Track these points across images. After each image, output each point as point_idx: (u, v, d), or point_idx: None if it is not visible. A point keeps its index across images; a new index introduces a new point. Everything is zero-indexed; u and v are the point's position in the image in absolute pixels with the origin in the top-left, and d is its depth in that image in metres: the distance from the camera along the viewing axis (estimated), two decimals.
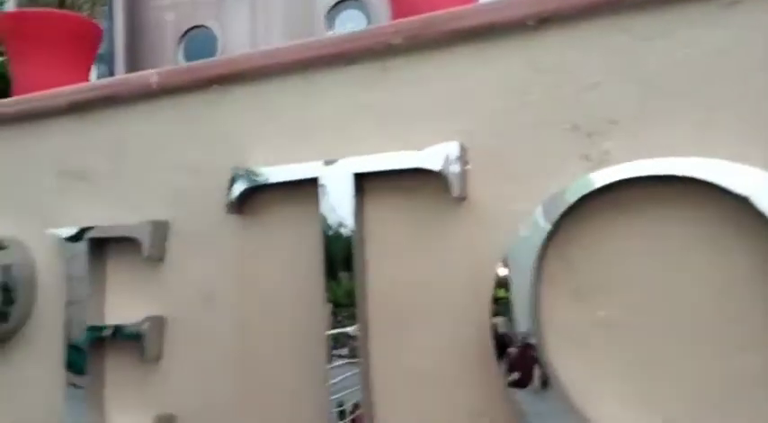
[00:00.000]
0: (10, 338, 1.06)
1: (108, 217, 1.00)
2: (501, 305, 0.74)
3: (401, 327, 0.83)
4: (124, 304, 0.99)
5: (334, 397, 0.82)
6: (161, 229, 0.96)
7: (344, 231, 0.84)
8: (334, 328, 0.83)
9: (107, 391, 0.99)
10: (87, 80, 1.25)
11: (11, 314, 1.04)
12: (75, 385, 0.97)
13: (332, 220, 0.84)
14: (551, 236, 0.74)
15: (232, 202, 0.91)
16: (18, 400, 1.05)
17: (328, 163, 0.85)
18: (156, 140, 0.99)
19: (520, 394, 0.73)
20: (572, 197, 0.74)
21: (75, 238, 1.00)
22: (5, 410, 1.06)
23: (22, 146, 1.10)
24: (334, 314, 0.83)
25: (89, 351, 0.97)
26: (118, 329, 0.96)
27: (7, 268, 1.04)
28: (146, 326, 0.94)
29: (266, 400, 0.89)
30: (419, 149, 0.81)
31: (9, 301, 1.04)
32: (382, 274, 0.84)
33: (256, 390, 0.90)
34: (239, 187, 0.90)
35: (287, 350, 0.88)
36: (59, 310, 1.01)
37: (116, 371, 0.99)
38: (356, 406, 0.81)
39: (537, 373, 0.72)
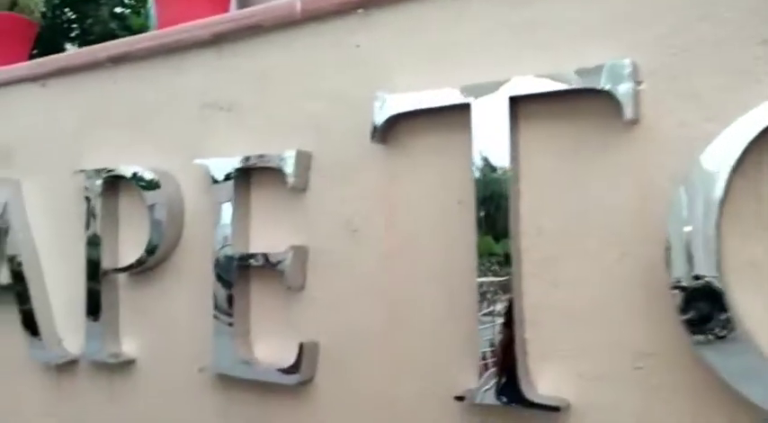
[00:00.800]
0: (157, 267, 1.10)
1: (252, 148, 1.00)
2: (676, 240, 0.68)
3: (557, 260, 0.78)
4: (268, 234, 1.00)
5: (483, 327, 0.79)
6: (304, 160, 0.95)
7: (498, 161, 0.79)
8: (484, 261, 0.79)
9: (252, 318, 1.01)
10: (227, 11, 1.25)
11: (159, 246, 1.08)
12: (221, 312, 1.00)
13: (484, 148, 0.80)
14: (738, 165, 0.67)
15: (377, 131, 0.89)
16: (168, 325, 1.10)
17: (480, 87, 0.80)
18: (300, 69, 0.98)
19: (698, 338, 0.67)
20: (764, 121, 0.66)
21: (221, 169, 1.01)
22: (157, 336, 1.11)
23: (165, 80, 1.12)
24: (485, 246, 0.79)
25: (236, 280, 0.99)
26: (263, 258, 0.97)
27: (155, 206, 1.07)
28: (290, 255, 0.95)
29: (410, 331, 0.88)
30: (584, 69, 0.74)
31: (158, 235, 1.08)
32: (538, 205, 0.79)
33: (400, 321, 0.88)
34: (384, 115, 0.88)
35: (433, 282, 0.86)
36: (205, 240, 1.03)
37: (260, 299, 1.00)
38: (507, 341, 0.78)
39: (718, 316, 0.66)
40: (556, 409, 0.76)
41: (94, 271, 1.14)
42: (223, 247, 1.00)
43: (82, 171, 1.16)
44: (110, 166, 1.14)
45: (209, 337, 1.02)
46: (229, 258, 0.99)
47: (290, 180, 0.95)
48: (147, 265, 1.09)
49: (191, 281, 1.07)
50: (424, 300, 0.87)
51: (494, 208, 0.79)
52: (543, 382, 0.78)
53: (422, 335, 0.87)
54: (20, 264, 1.23)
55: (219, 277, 1.00)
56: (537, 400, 0.77)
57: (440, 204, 0.86)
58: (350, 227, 0.93)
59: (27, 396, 1.26)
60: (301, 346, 0.93)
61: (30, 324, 1.22)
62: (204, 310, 1.03)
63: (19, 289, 1.23)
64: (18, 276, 1.23)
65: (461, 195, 0.84)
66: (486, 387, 0.79)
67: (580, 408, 0.76)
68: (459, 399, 0.81)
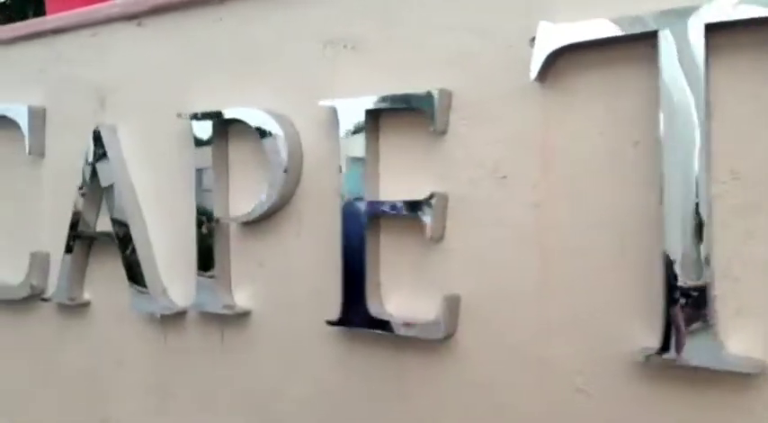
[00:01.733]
0: (274, 216, 1.04)
1: (380, 87, 0.93)
2: None
3: (754, 207, 0.70)
4: (402, 181, 0.93)
5: (664, 282, 0.72)
6: (444, 99, 0.88)
7: (688, 97, 0.71)
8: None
9: (383, 270, 0.95)
10: None
11: (276, 194, 1.02)
12: (350, 264, 0.94)
13: (673, 83, 0.71)
14: None
15: (533, 67, 0.80)
16: (286, 277, 1.05)
17: (671, 13, 0.71)
18: (434, 0, 0.90)
19: None
20: None
21: (349, 110, 0.94)
22: (274, 288, 1.06)
23: (286, 17, 1.04)
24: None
25: (366, 228, 0.93)
26: (400, 206, 0.90)
27: (272, 151, 1.01)
28: (429, 203, 0.88)
29: (567, 285, 0.81)
30: None
31: (276, 182, 1.02)
32: (733, 147, 0.71)
33: (555, 274, 0.82)
34: (547, 48, 0.79)
35: (597, 231, 0.79)
36: (329, 187, 0.97)
37: (392, 251, 0.94)
38: (695, 297, 0.71)
39: None
40: (749, 372, 0.70)
41: (205, 219, 1.09)
42: (350, 192, 0.94)
43: (189, 115, 1.10)
44: (220, 109, 1.07)
45: (333, 289, 0.97)
46: (359, 206, 0.93)
47: (429, 121, 0.88)
48: (264, 214, 1.04)
49: (312, 231, 1.01)
50: (586, 251, 0.80)
51: (681, 150, 0.71)
52: (734, 342, 0.71)
53: (582, 289, 0.80)
54: (121, 210, 1.19)
55: (348, 226, 0.94)
56: (729, 362, 0.70)
57: (609, 146, 0.78)
58: (497, 173, 0.86)
59: (130, 349, 1.23)
60: (443, 301, 0.88)
61: (133, 273, 1.18)
62: (327, 261, 0.98)
63: (121, 236, 1.18)
64: (119, 223, 1.19)
65: (638, 136, 0.76)
66: (670, 347, 0.72)
67: None
68: (640, 359, 0.74)
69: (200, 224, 1.09)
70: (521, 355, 0.84)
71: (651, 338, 0.75)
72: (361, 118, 0.93)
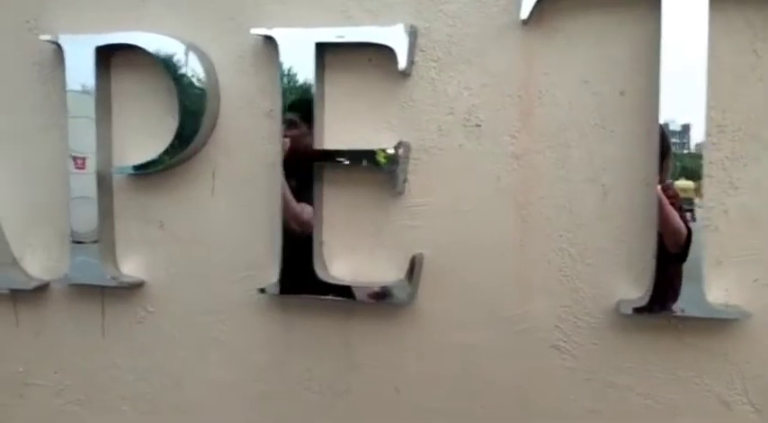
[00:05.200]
0: (178, 167, 0.87)
1: (333, 18, 0.80)
2: None
3: (738, 159, 0.73)
4: (351, 127, 0.82)
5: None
6: (410, 36, 0.78)
7: (689, 47, 0.70)
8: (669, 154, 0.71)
9: (329, 228, 0.83)
10: None
11: (185, 139, 0.85)
12: (290, 221, 0.81)
13: (675, 33, 0.70)
14: None
15: (525, 7, 0.74)
16: (195, 236, 0.88)
17: None
18: None
19: None
20: None
21: (290, 41, 0.80)
22: (182, 253, 0.88)
23: None
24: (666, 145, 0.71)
25: (314, 181, 0.81)
26: (351, 155, 0.79)
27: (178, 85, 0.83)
28: (389, 153, 0.78)
29: (545, 240, 0.78)
30: None
31: (186, 124, 0.84)
32: (720, 100, 0.72)
33: (533, 229, 0.78)
34: None
35: (580, 185, 0.76)
36: (254, 131, 0.84)
37: (341, 206, 0.83)
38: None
39: None
40: (729, 317, 0.73)
41: (82, 170, 0.87)
42: (292, 141, 0.80)
43: (54, 36, 0.86)
44: (100, 31, 0.85)
45: (261, 253, 0.84)
46: (301, 155, 0.80)
47: (400, 61, 0.78)
48: (168, 165, 0.85)
49: (231, 186, 0.86)
50: (568, 205, 0.77)
51: (679, 101, 0.71)
52: (715, 290, 0.74)
53: (563, 245, 0.77)
54: None
55: (291, 178, 0.81)
56: (710, 310, 0.72)
57: (595, 96, 0.75)
58: (471, 121, 0.79)
59: None
60: (406, 260, 0.79)
61: None
62: (251, 221, 0.84)
63: None
64: None
65: (624, 85, 0.74)
66: (652, 297, 0.73)
67: (757, 315, 0.73)
68: (627, 312, 0.74)
69: (84, 176, 0.87)
70: (494, 315, 0.80)
71: (635, 291, 0.75)
72: (309, 52, 0.79)
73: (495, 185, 0.78)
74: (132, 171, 0.86)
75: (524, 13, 0.74)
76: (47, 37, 0.86)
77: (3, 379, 0.95)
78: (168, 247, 0.89)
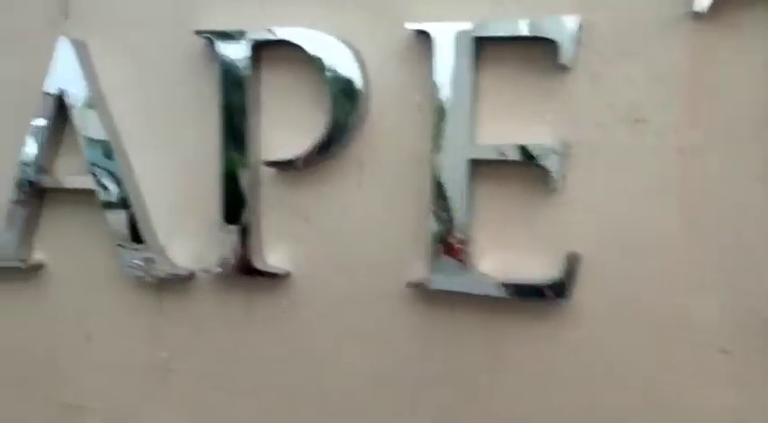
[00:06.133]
0: (326, 163, 0.87)
1: (487, 12, 0.79)
2: None
3: None
4: (506, 122, 0.81)
5: None
6: (575, 28, 0.76)
7: None
8: None
9: (481, 225, 0.83)
10: None
11: (333, 135, 0.85)
12: (442, 217, 0.81)
13: None
14: None
15: (696, 1, 0.72)
16: (341, 230, 0.89)
17: None
18: None
19: None
20: None
21: (441, 36, 0.79)
22: (327, 246, 0.89)
23: None
24: None
25: (466, 177, 0.80)
26: (507, 151, 0.78)
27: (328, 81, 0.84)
28: (549, 148, 0.77)
29: (713, 239, 0.75)
30: None
31: (333, 121, 0.85)
32: None
33: (699, 228, 0.75)
34: None
35: (753, 183, 0.73)
36: (405, 127, 0.83)
37: (493, 202, 0.82)
38: None
39: None
40: None
41: (232, 165, 0.89)
42: (448, 138, 0.80)
43: (209, 32, 0.88)
44: (248, 28, 0.87)
45: (413, 245, 0.84)
46: (457, 152, 0.80)
47: (556, 55, 0.76)
48: (317, 160, 0.86)
49: (379, 181, 0.86)
50: (738, 205, 0.74)
51: None
52: None
53: (731, 246, 0.74)
54: (97, 150, 0.94)
55: (442, 174, 0.80)
56: None
57: None
58: (632, 116, 0.76)
59: (105, 321, 1.00)
60: (562, 258, 0.78)
61: (118, 229, 0.94)
62: (399, 216, 0.85)
63: (100, 182, 0.94)
64: (98, 166, 0.94)
65: None
66: None
67: None
68: None
69: (228, 170, 0.89)
70: (653, 315, 0.77)
71: None
72: (465, 46, 0.79)
73: (657, 182, 0.76)
74: (283, 164, 0.88)
75: (700, 5, 0.72)
76: (199, 30, 0.88)
77: (147, 365, 0.99)
78: (313, 240, 0.90)
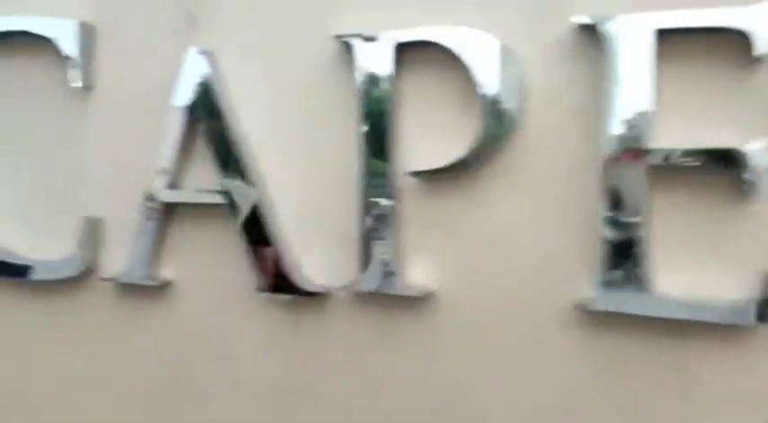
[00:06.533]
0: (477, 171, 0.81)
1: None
2: None
3: None
4: (689, 124, 0.72)
5: None
6: None
7: None
8: None
9: (659, 239, 0.74)
10: None
11: (487, 139, 0.79)
12: (618, 230, 0.73)
13: None
14: None
15: None
16: (490, 242, 0.82)
17: None
18: None
19: None
20: None
21: (627, 28, 0.71)
22: (475, 259, 0.83)
23: None
24: None
25: (644, 185, 0.72)
26: (696, 156, 0.70)
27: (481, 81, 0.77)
28: (748, 153, 0.68)
29: None
30: None
31: (489, 124, 0.78)
32: None
33: None
34: None
35: None
36: (566, 129, 0.76)
37: (672, 214, 0.74)
38: None
39: None
40: None
41: (373, 175, 0.83)
42: (621, 141, 0.72)
43: (349, 35, 0.83)
44: (388, 29, 0.81)
45: (578, 261, 0.76)
46: (634, 156, 0.72)
47: (753, 46, 0.67)
48: (467, 166, 0.80)
49: (535, 188, 0.79)
50: None
51: None
52: None
53: None
54: (233, 164, 0.90)
55: (619, 182, 0.72)
56: None
57: None
58: None
59: (237, 340, 0.96)
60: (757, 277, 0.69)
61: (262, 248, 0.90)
62: (564, 225, 0.77)
63: (235, 200, 0.90)
64: (234, 179, 0.90)
65: None
66: None
67: None
68: None
69: (371, 182, 0.83)
70: None
71: None
72: (644, 40, 0.70)
73: None
74: (428, 174, 0.81)
75: None
76: (338, 34, 0.83)
77: (282, 385, 0.94)
78: (459, 255, 0.83)
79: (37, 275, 1.01)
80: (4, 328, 1.04)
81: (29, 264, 1.01)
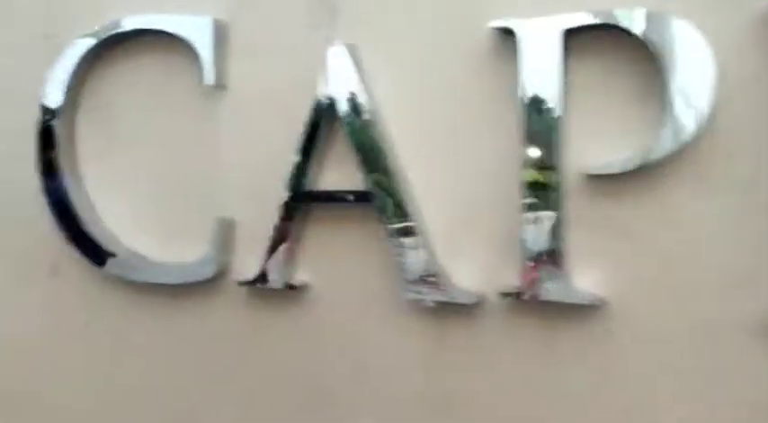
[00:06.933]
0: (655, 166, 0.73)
1: None
2: None
3: None
4: None
5: None
6: None
7: None
8: None
9: None
10: None
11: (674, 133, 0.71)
12: None
13: None
14: None
15: None
16: (671, 251, 0.74)
17: None
18: None
19: None
20: None
21: None
22: (654, 269, 0.75)
23: None
24: None
25: None
26: None
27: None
28: None
29: None
30: None
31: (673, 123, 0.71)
32: None
33: None
34: None
35: None
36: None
37: None
38: None
39: None
40: None
41: (537, 174, 0.77)
42: None
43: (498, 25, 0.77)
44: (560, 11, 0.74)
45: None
46: None
47: None
48: (646, 164, 0.73)
49: (725, 188, 0.71)
50: None
51: None
52: None
53: None
54: (380, 162, 0.85)
55: None
56: None
57: None
58: None
59: (380, 350, 0.91)
60: None
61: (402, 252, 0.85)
62: (752, 232, 0.69)
63: (383, 201, 0.85)
64: (381, 180, 0.85)
65: None
66: None
67: None
68: None
69: (533, 178, 0.77)
70: None
71: None
72: None
73: None
74: (602, 173, 0.75)
75: None
76: (498, 23, 0.77)
77: (426, 397, 0.89)
78: (635, 261, 0.76)
79: (170, 278, 0.98)
80: (137, 331, 1.02)
81: (161, 266, 0.99)
